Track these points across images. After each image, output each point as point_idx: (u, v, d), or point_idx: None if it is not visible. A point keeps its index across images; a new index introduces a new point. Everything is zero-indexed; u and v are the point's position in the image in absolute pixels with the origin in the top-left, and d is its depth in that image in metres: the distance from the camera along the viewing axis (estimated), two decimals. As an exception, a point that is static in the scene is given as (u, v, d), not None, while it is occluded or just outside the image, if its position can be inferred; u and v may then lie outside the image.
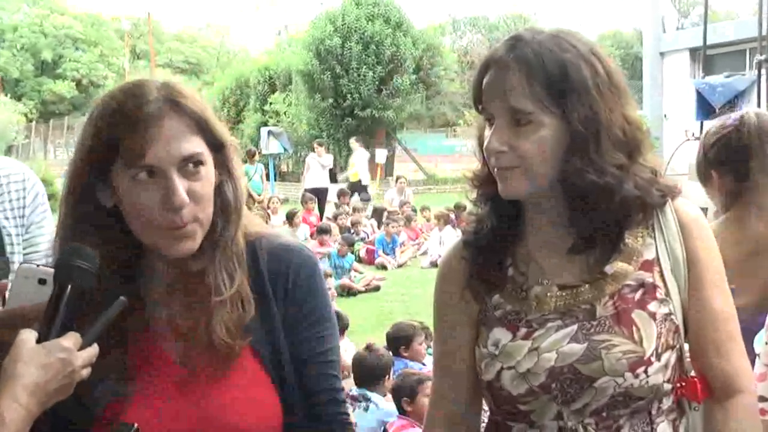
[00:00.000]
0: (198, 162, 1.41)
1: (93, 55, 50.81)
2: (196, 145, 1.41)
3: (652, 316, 1.48)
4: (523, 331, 1.52)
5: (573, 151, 1.46)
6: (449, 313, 1.64)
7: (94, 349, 1.35)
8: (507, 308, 1.56)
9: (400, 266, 13.24)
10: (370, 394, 5.00)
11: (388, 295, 10.88)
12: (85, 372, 1.34)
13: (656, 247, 1.53)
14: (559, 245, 1.54)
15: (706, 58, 16.49)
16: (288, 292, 1.51)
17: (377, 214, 16.20)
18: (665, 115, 17.00)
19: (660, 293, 1.50)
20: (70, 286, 1.36)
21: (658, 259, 1.52)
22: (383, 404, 5.01)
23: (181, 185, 1.38)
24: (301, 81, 27.77)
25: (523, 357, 1.50)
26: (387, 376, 5.12)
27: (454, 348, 1.63)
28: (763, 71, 14.41)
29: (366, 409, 4.96)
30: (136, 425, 1.28)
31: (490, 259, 1.58)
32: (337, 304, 8.04)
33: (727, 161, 2.36)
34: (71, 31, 50.40)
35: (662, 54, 17.64)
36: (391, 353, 5.71)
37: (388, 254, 13.64)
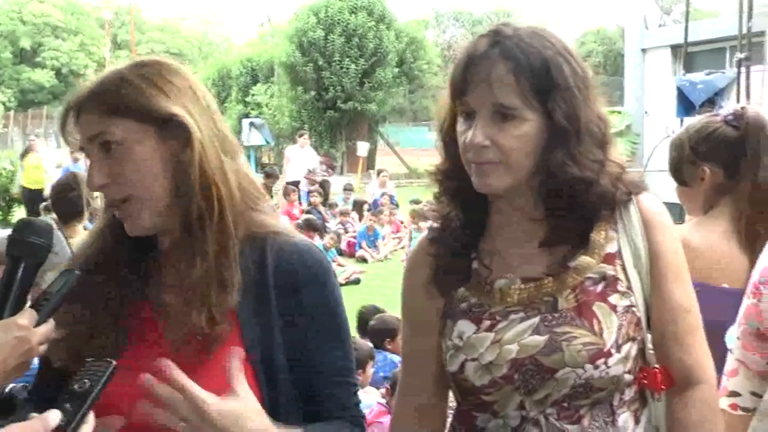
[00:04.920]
0: (107, 142, 1.44)
1: (73, 44, 50.48)
2: (105, 126, 1.44)
3: (613, 308, 1.51)
4: (486, 323, 1.54)
5: (554, 146, 1.47)
6: (416, 307, 1.66)
7: (50, 325, 1.36)
8: (472, 301, 1.58)
9: (381, 260, 13.27)
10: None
11: (369, 288, 10.91)
12: (42, 348, 1.35)
13: (618, 241, 1.55)
14: (526, 238, 1.56)
15: (688, 55, 16.57)
16: (296, 296, 1.49)
17: (358, 207, 16.21)
18: (646, 112, 17.08)
19: (621, 286, 1.53)
20: (23, 262, 1.37)
21: (621, 252, 1.54)
22: (361, 396, 5.01)
23: (98, 167, 1.45)
24: (283, 73, 27.74)
25: (486, 349, 1.52)
26: (363, 369, 5.12)
27: (421, 341, 1.65)
28: (743, 69, 14.55)
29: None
30: (114, 362, 1.27)
31: (455, 253, 1.60)
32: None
33: (721, 155, 2.34)
34: (51, 19, 50.02)
35: (644, 51, 17.70)
36: (370, 345, 5.72)
37: (369, 247, 13.67)
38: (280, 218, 1.61)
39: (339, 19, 26.70)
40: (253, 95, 29.99)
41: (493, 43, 1.48)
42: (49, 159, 17.67)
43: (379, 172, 19.07)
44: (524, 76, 1.45)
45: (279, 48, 28.88)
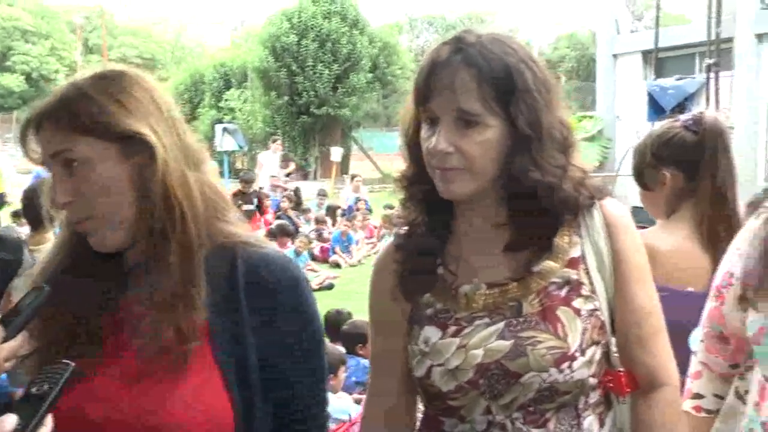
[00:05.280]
0: (68, 160, 1.42)
1: (43, 49, 49.99)
2: (66, 144, 1.42)
3: (577, 312, 1.52)
4: (452, 329, 1.55)
5: (517, 152, 1.48)
6: (383, 313, 1.67)
7: (17, 341, 1.34)
8: (437, 307, 1.59)
9: (354, 264, 13.27)
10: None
11: (342, 293, 10.88)
12: (8, 364, 1.33)
13: (582, 245, 1.56)
14: (490, 244, 1.57)
15: (658, 60, 16.74)
16: (269, 307, 1.47)
17: (332, 212, 16.20)
18: (618, 117, 17.21)
19: (585, 290, 1.54)
20: None
21: (584, 257, 1.56)
22: (333, 401, 5.01)
23: (61, 186, 1.43)
24: (256, 78, 27.70)
25: (452, 354, 1.52)
26: (335, 374, 5.12)
27: (388, 346, 1.66)
28: (712, 74, 14.72)
29: (315, 407, 4.96)
30: (72, 364, 1.26)
31: (421, 260, 1.60)
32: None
33: (681, 159, 2.39)
34: (20, 23, 49.51)
35: (615, 56, 17.84)
36: (342, 350, 5.72)
37: (343, 252, 13.67)
38: (247, 227, 1.59)
39: (312, 25, 26.70)
40: (226, 100, 29.91)
41: (455, 50, 1.49)
42: (19, 164, 17.49)
43: (352, 177, 19.10)
44: (486, 82, 1.46)
45: (252, 53, 28.86)
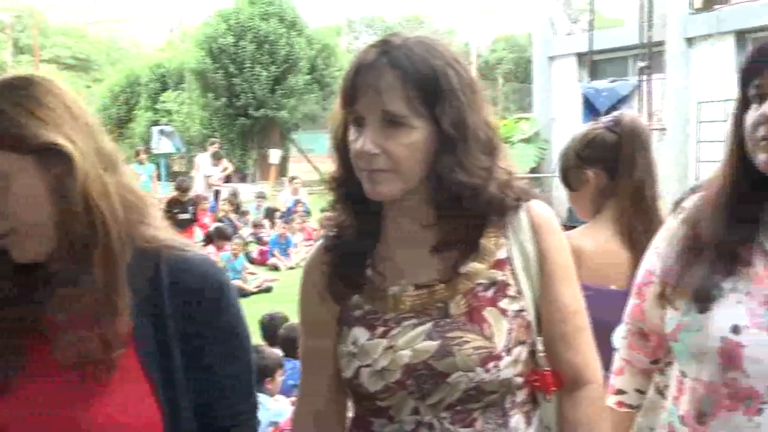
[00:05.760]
0: None
1: (-30, 49, 48.71)
2: None
3: (503, 312, 1.54)
4: (380, 330, 1.57)
5: (443, 153, 1.51)
6: (312, 314, 1.68)
7: None
8: (366, 308, 1.60)
9: (292, 267, 13.21)
10: (257, 394, 4.98)
11: (280, 296, 10.83)
12: None
13: (509, 246, 1.59)
14: (418, 245, 1.59)
15: (593, 63, 17.02)
16: (194, 312, 1.46)
17: (270, 214, 16.11)
18: (554, 118, 17.44)
19: (511, 291, 1.57)
20: None
21: (511, 258, 1.58)
22: (271, 404, 5.00)
23: None
24: (193, 79, 27.41)
25: (380, 355, 1.54)
26: (272, 377, 5.10)
27: (318, 347, 1.67)
28: (645, 77, 15.02)
29: (253, 410, 4.94)
30: None
31: (350, 261, 1.62)
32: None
33: (602, 159, 2.48)
34: (-56, 22, 48.15)
35: (551, 58, 18.06)
36: (279, 354, 5.70)
37: (281, 255, 13.61)
38: (170, 230, 1.57)
39: (250, 26, 26.51)
40: (163, 102, 29.52)
41: (381, 53, 1.50)
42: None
43: (291, 180, 19.02)
44: (412, 84, 1.47)
45: (189, 54, 28.53)
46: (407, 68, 1.48)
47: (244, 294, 10.94)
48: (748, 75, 1.55)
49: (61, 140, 1.39)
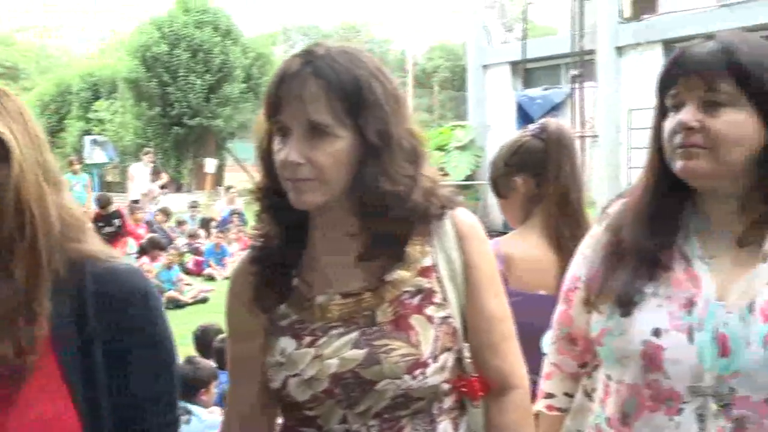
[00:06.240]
0: None
1: None
2: None
3: (430, 319, 1.55)
4: (307, 339, 1.56)
5: (367, 162, 1.51)
6: (240, 324, 1.67)
7: None
8: (293, 318, 1.60)
9: (228, 277, 13.07)
10: (191, 406, 4.91)
11: (216, 306, 10.70)
12: None
13: (434, 254, 1.60)
14: (344, 254, 1.59)
15: (526, 71, 17.27)
16: (117, 322, 1.44)
17: (206, 224, 15.96)
18: (489, 126, 17.63)
19: (437, 298, 1.58)
20: None
21: (436, 265, 1.60)
22: (206, 416, 4.94)
23: None
24: (126, 88, 27.05)
25: (307, 364, 1.54)
26: (206, 389, 5.05)
27: (245, 358, 1.66)
28: (577, 85, 15.30)
29: (187, 422, 4.87)
30: None
31: (276, 271, 1.62)
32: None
33: (529, 165, 2.51)
34: None
35: (486, 66, 18.28)
36: (213, 365, 5.63)
37: (217, 265, 13.48)
38: (100, 241, 1.56)
39: (184, 34, 26.29)
40: (95, 111, 29.09)
41: (305, 62, 1.51)
42: None
43: (227, 189, 18.88)
44: (336, 94, 1.48)
45: (122, 63, 28.17)
46: (331, 78, 1.48)
47: (180, 305, 10.82)
48: (665, 84, 1.59)
49: (3, 129, 1.37)
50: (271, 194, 1.59)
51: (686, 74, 1.55)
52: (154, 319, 1.50)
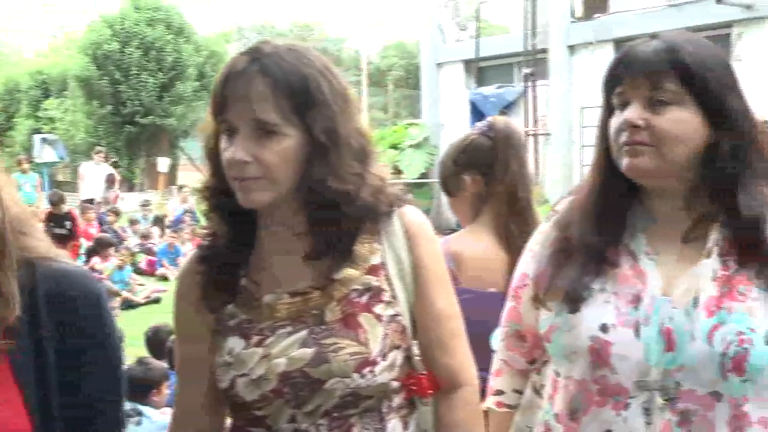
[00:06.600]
0: None
1: None
2: None
3: (378, 317, 1.55)
4: (255, 338, 1.55)
5: (315, 161, 1.51)
6: (187, 324, 1.66)
7: None
8: (241, 317, 1.59)
9: (182, 277, 12.96)
10: (141, 407, 4.86)
11: (169, 306, 10.52)
12: None
13: (383, 252, 1.60)
14: (292, 252, 1.58)
15: (479, 69, 17.36)
16: (66, 323, 1.43)
17: (159, 223, 15.80)
18: (443, 124, 17.69)
19: (386, 296, 1.57)
20: None
21: (385, 263, 1.59)
22: (157, 417, 4.89)
23: None
24: (77, 86, 26.67)
25: (256, 364, 1.53)
26: (158, 389, 5.00)
27: (193, 358, 1.64)
28: (530, 84, 15.42)
29: (138, 423, 4.82)
30: None
31: (224, 271, 1.60)
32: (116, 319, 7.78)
33: (478, 164, 2.53)
34: None
35: (439, 65, 18.33)
36: (165, 366, 5.58)
37: (170, 265, 13.34)
38: (49, 242, 1.54)
39: (136, 32, 25.99)
40: (45, 110, 28.64)
41: (252, 60, 1.49)
42: None
43: (180, 188, 18.70)
44: (283, 92, 1.47)
45: (72, 60, 27.77)
46: (278, 76, 1.47)
47: (132, 305, 10.69)
48: (611, 83, 1.60)
49: None
50: (219, 193, 1.58)
51: (632, 73, 1.56)
52: (105, 321, 1.50)
